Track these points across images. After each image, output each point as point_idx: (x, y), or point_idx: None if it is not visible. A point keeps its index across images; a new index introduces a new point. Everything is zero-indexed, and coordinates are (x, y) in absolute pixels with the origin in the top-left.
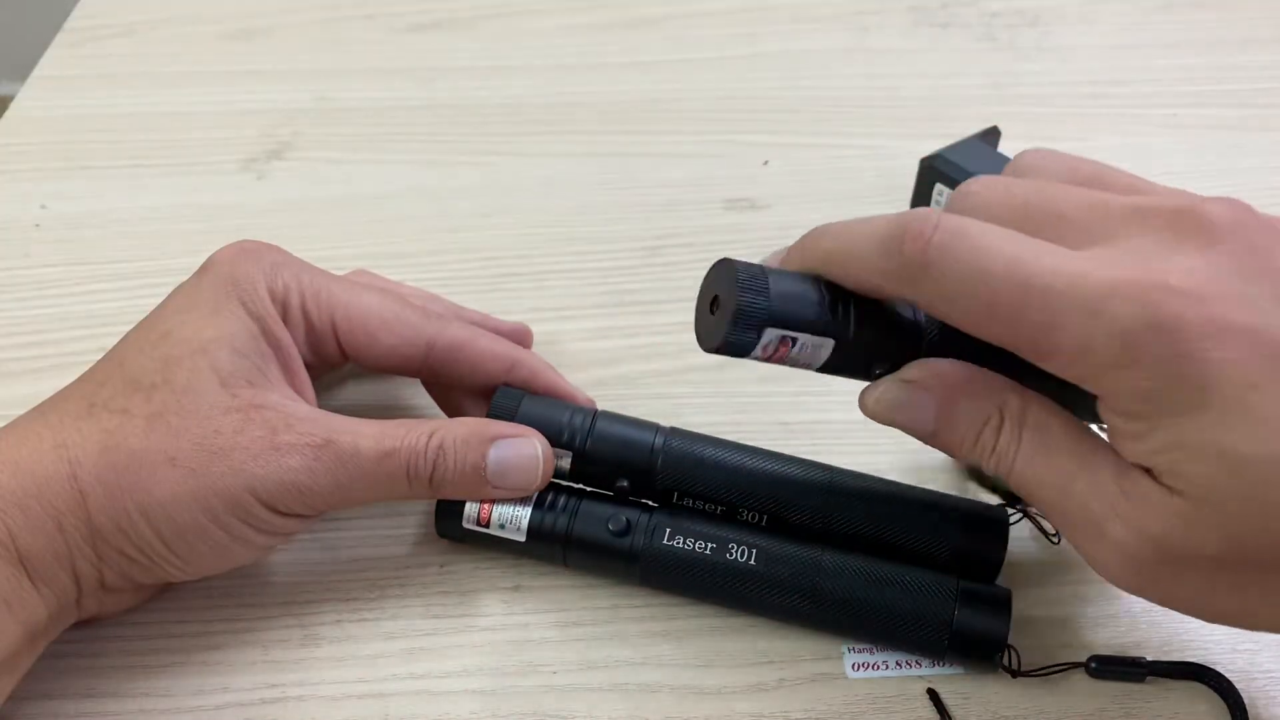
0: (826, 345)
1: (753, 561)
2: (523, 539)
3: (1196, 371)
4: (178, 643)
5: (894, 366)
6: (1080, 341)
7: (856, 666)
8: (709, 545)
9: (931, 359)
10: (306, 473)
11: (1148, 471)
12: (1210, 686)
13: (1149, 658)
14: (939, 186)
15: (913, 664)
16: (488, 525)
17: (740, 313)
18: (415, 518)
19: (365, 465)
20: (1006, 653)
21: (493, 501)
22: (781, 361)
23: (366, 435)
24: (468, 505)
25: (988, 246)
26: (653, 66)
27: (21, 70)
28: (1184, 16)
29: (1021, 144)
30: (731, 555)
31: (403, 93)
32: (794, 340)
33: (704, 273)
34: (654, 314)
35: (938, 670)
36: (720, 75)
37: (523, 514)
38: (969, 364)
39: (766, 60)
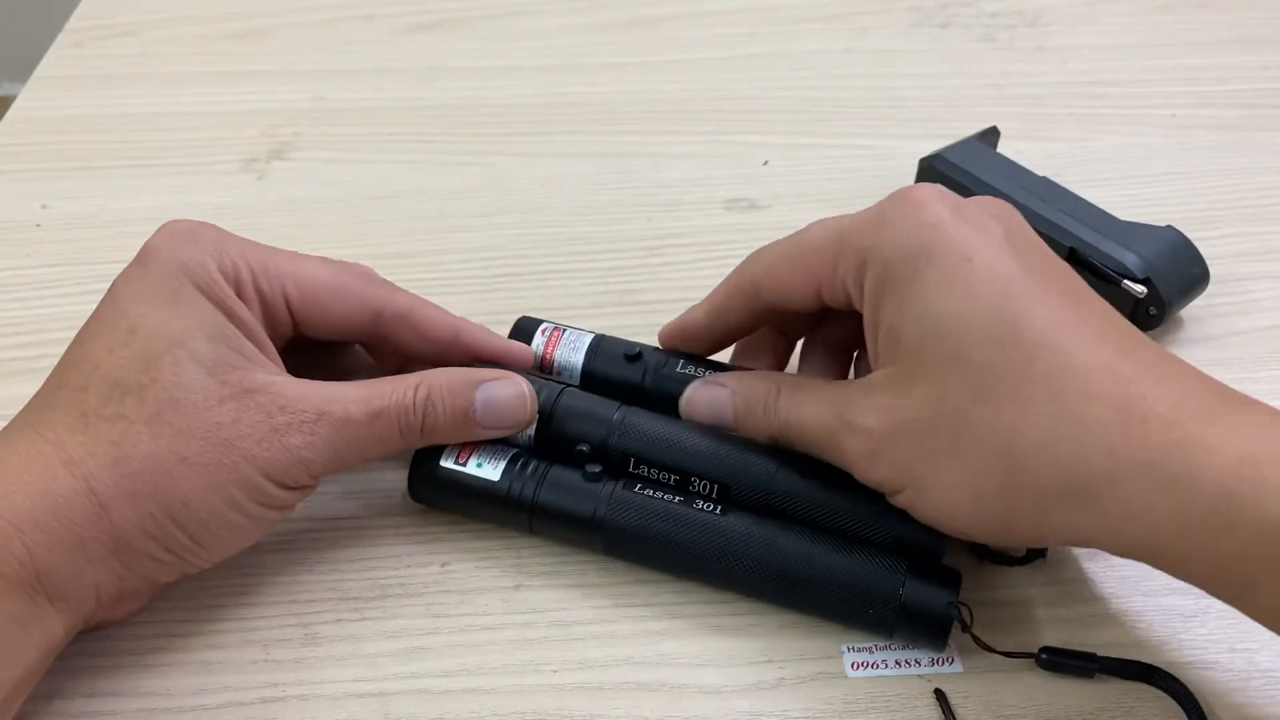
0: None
1: (717, 511)
2: (497, 477)
3: (928, 238)
4: (179, 642)
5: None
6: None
7: (856, 665)
8: (675, 497)
9: (724, 373)
10: (308, 448)
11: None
12: (1161, 689)
13: (1100, 653)
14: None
15: (912, 663)
16: (465, 464)
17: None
18: (415, 517)
19: (359, 430)
20: (961, 613)
21: (474, 446)
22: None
23: (355, 400)
24: (446, 449)
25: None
26: (653, 66)
27: (22, 71)
28: (1184, 16)
29: (1021, 144)
30: (696, 506)
31: (403, 93)
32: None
33: (704, 272)
34: (654, 314)
35: (937, 669)
36: (720, 75)
37: (500, 459)
38: (750, 370)
39: (766, 60)
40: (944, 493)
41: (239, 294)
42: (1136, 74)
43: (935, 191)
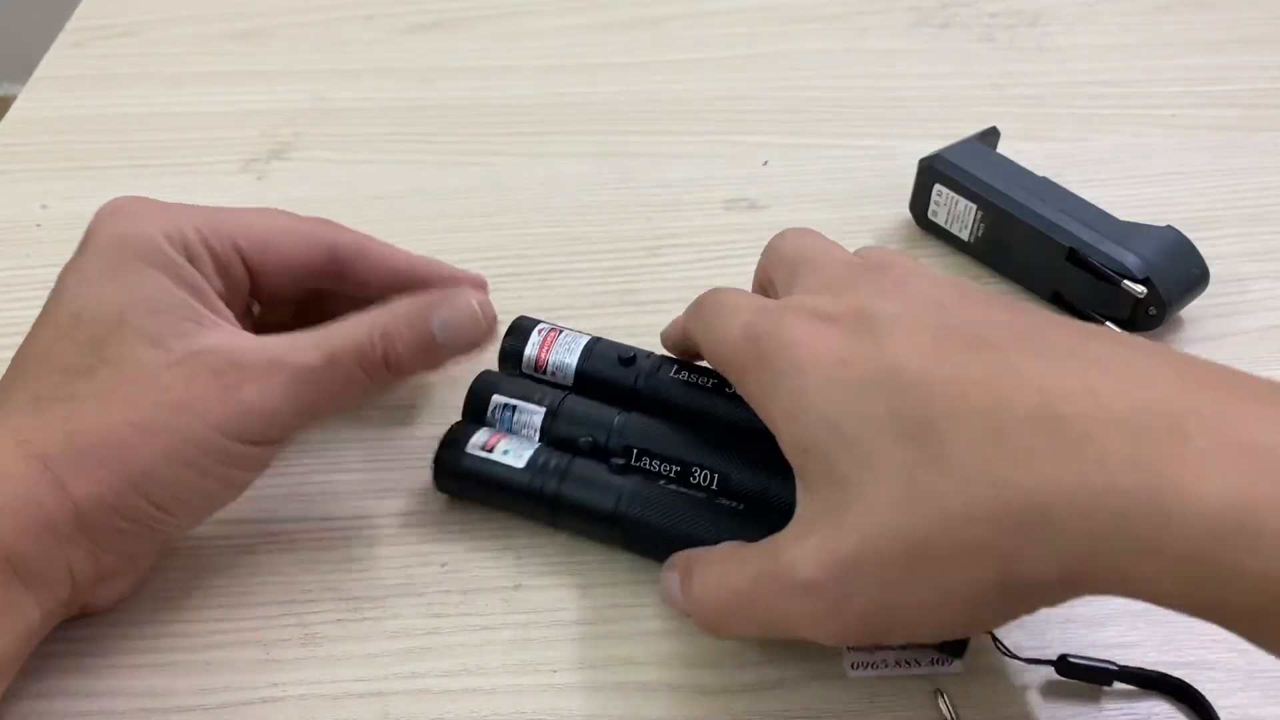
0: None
1: (740, 507)
2: (522, 465)
3: (775, 352)
4: (179, 642)
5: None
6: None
7: (856, 665)
8: (699, 493)
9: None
10: (264, 400)
11: None
12: (1177, 701)
13: (1120, 663)
14: (938, 186)
15: (912, 663)
16: (492, 451)
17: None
18: (415, 517)
19: (318, 374)
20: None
21: (440, 359)
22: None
23: (309, 346)
24: (473, 435)
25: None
26: (653, 66)
27: (23, 71)
28: (1184, 16)
29: (1021, 144)
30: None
31: (403, 93)
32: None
33: (704, 273)
34: (654, 314)
35: (937, 669)
36: (720, 75)
37: (525, 449)
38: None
39: (766, 60)
40: (925, 614)
41: (189, 257)
42: (1136, 74)
43: (802, 308)
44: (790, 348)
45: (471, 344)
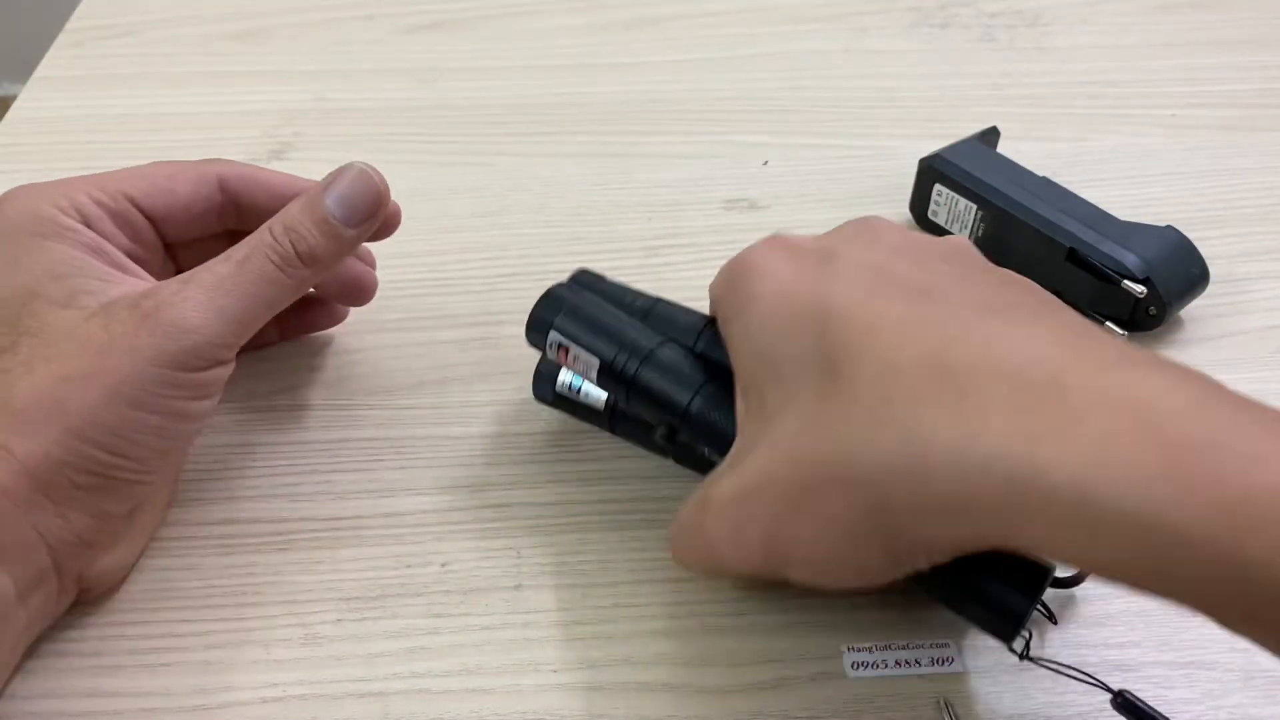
0: (593, 363)
1: None
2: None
3: (741, 276)
4: (179, 641)
5: (669, 429)
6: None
7: (856, 666)
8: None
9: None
10: (184, 316)
11: None
12: None
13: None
14: (938, 186)
15: (912, 663)
16: (577, 395)
17: (532, 319)
18: (415, 516)
19: (232, 280)
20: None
21: (349, 237)
22: (570, 368)
23: (219, 260)
24: (560, 374)
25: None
26: (653, 66)
27: (22, 71)
28: (1184, 16)
29: (1021, 144)
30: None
31: (403, 93)
32: (568, 349)
33: (704, 273)
34: None
35: (937, 669)
36: (720, 75)
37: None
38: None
39: (766, 60)
40: (810, 549)
41: (85, 220)
42: (1136, 74)
43: (775, 240)
44: (754, 276)
45: (369, 208)
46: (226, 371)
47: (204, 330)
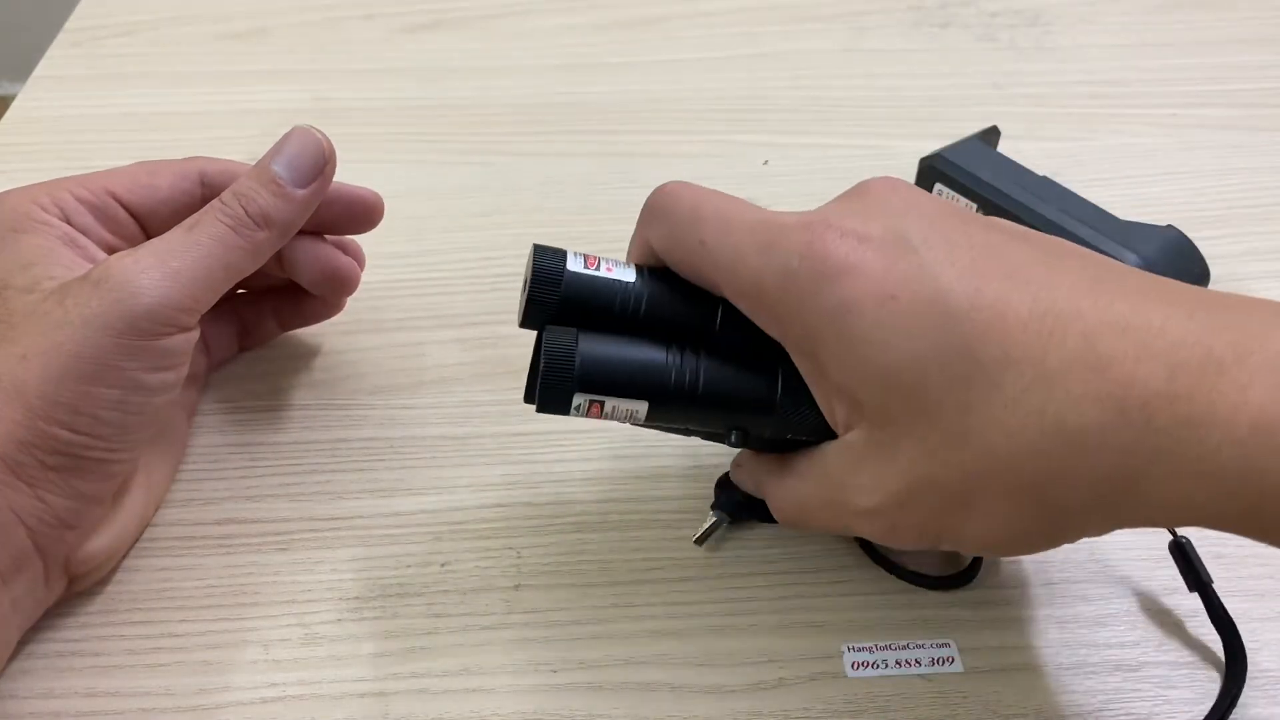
0: (640, 408)
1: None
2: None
3: (816, 282)
4: (179, 641)
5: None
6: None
7: (856, 665)
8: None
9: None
10: (138, 284)
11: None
12: None
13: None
14: (939, 186)
15: (912, 663)
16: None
17: (546, 386)
18: (415, 516)
19: (182, 244)
20: None
21: (300, 198)
22: (608, 419)
23: (175, 229)
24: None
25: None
26: (653, 66)
27: (22, 70)
28: (1184, 16)
29: (1021, 143)
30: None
31: (403, 93)
32: (601, 404)
33: None
34: None
35: (937, 669)
36: (720, 75)
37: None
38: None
39: (766, 60)
40: (976, 536)
41: (65, 215)
42: (1136, 74)
43: (834, 228)
44: (836, 279)
45: (315, 167)
46: (188, 341)
47: (154, 291)
